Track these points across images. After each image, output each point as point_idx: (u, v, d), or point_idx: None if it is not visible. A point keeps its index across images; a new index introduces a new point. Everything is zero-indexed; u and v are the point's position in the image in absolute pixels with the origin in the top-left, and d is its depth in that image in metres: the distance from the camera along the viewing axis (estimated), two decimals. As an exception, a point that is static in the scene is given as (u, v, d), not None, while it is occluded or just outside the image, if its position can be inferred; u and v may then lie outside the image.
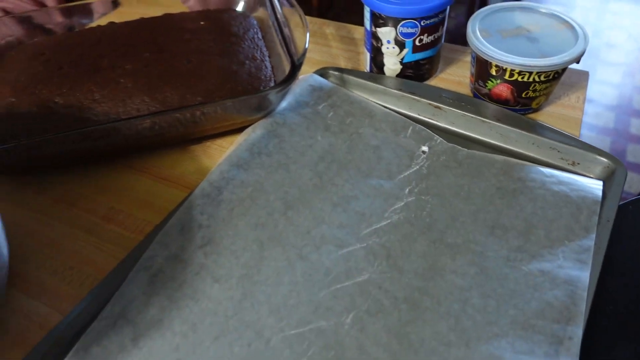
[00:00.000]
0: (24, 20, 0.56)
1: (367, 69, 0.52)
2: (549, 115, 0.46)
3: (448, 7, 0.45)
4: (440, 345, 0.31)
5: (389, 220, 0.38)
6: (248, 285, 0.35)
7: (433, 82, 0.51)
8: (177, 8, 0.58)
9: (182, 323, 0.33)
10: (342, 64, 0.54)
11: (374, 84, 0.48)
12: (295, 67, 0.42)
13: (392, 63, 0.48)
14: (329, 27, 0.59)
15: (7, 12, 0.61)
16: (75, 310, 0.34)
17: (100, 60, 0.47)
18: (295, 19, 0.48)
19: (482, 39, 0.43)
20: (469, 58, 0.53)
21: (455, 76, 0.51)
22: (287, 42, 0.46)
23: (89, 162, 0.45)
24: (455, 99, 0.45)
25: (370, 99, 0.48)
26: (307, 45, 0.44)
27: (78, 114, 0.43)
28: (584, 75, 0.50)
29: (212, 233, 0.38)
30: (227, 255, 0.36)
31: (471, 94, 0.49)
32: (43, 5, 0.65)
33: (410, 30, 0.45)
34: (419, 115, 0.46)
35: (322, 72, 0.50)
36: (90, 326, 0.33)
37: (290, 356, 0.31)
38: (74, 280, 0.37)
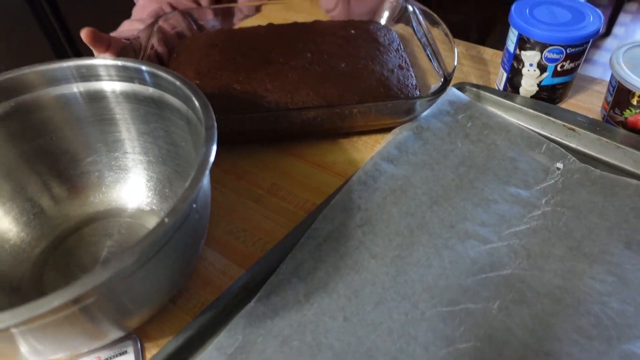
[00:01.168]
0: (186, 15, 0.64)
1: (501, 87, 0.56)
2: (680, 148, 0.49)
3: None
4: (582, 338, 0.35)
5: (527, 225, 0.42)
6: (401, 264, 0.40)
7: (564, 105, 0.54)
8: (308, 14, 0.64)
9: (345, 288, 0.39)
10: (474, 80, 0.58)
11: (510, 102, 0.52)
12: (447, 81, 0.47)
13: (529, 85, 0.52)
14: (459, 46, 0.64)
15: (173, 6, 0.70)
16: (256, 266, 0.40)
17: (269, 55, 0.54)
18: (437, 35, 0.53)
19: (627, 70, 0.46)
20: (597, 87, 0.56)
21: (584, 103, 0.55)
22: (437, 57, 0.51)
23: (253, 142, 0.51)
24: (589, 123, 0.49)
25: (505, 115, 0.52)
26: (456, 63, 0.49)
27: (253, 100, 0.49)
28: None
29: (369, 215, 0.43)
30: (382, 236, 0.42)
31: (602, 120, 0.52)
32: (199, 3, 0.74)
33: (555, 55, 0.49)
34: (551, 134, 0.50)
35: (460, 87, 0.54)
36: (269, 279, 0.39)
37: (444, 328, 0.36)
38: (247, 240, 0.43)
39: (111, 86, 0.39)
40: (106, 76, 0.39)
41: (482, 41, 2.18)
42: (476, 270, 0.39)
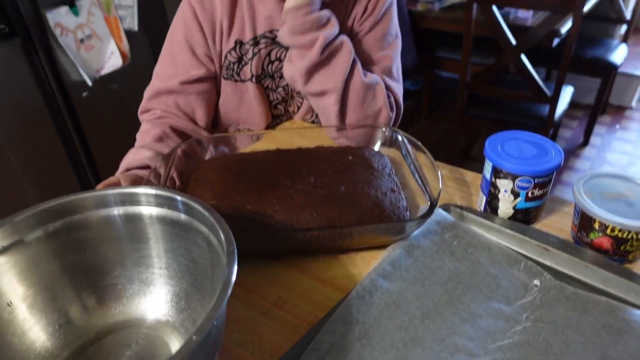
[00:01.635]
0: (201, 142, 0.73)
1: (482, 209, 0.63)
2: (644, 267, 0.54)
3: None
4: None
5: (510, 340, 0.46)
6: (397, 376, 0.43)
7: (538, 225, 0.61)
8: (310, 138, 0.73)
9: (345, 399, 0.42)
10: (458, 201, 0.66)
11: (490, 222, 0.59)
12: (433, 205, 0.55)
13: (506, 207, 0.60)
14: (444, 169, 0.73)
15: (173, 128, 0.80)
16: (262, 375, 0.43)
17: (277, 178, 0.61)
18: (423, 160, 0.62)
19: (587, 199, 0.54)
20: (567, 208, 0.64)
21: (556, 223, 0.62)
22: (424, 184, 0.59)
23: (262, 257, 0.57)
24: (560, 244, 0.55)
25: (486, 234, 0.59)
26: (440, 187, 0.56)
27: (263, 220, 0.56)
28: (672, 236, 0.58)
29: (366, 329, 0.47)
30: (378, 349, 0.46)
31: (572, 240, 0.58)
32: (196, 123, 0.83)
33: (525, 184, 0.57)
34: (528, 253, 0.56)
35: (446, 207, 0.61)
36: (275, 390, 0.42)
37: None
38: (255, 352, 0.47)
39: (149, 210, 0.46)
40: (145, 202, 0.46)
41: (468, 150, 2.34)
42: (465, 384, 0.43)
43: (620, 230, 0.51)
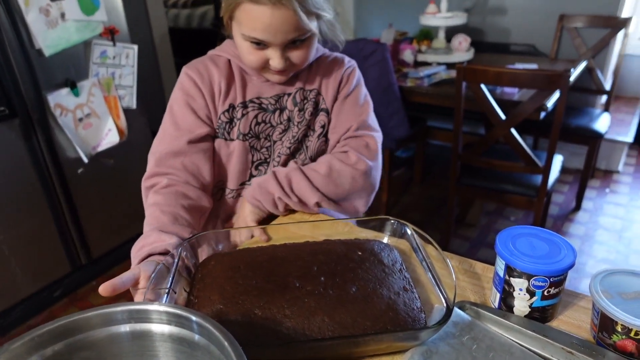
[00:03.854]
0: (212, 237, 0.72)
1: (496, 306, 0.61)
2: (671, 369, 0.52)
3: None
4: None
5: None
6: None
7: (555, 323, 0.59)
8: (313, 227, 0.73)
9: None
10: (471, 296, 0.64)
11: (509, 322, 0.57)
12: (450, 311, 0.53)
13: (522, 306, 0.58)
14: (453, 260, 0.71)
15: (186, 208, 0.80)
16: None
17: (287, 278, 0.60)
18: (430, 250, 0.61)
19: (606, 300, 0.52)
20: (583, 303, 0.62)
21: (574, 319, 0.60)
22: (437, 282, 0.58)
23: (271, 366, 0.54)
24: (584, 347, 0.53)
25: (506, 334, 0.57)
26: (455, 292, 0.55)
27: (273, 326, 0.54)
28: (693, 332, 0.57)
29: None
30: None
31: (593, 340, 0.56)
32: (201, 183, 0.85)
33: (541, 283, 0.55)
34: (552, 356, 0.54)
35: (461, 306, 0.60)
36: None
37: None
38: None
39: (161, 328, 0.44)
40: (157, 319, 0.44)
41: (463, 216, 2.33)
42: None
43: (644, 334, 0.50)
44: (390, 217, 0.72)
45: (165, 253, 0.70)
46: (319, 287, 0.58)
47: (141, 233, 0.76)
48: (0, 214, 1.58)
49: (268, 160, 0.92)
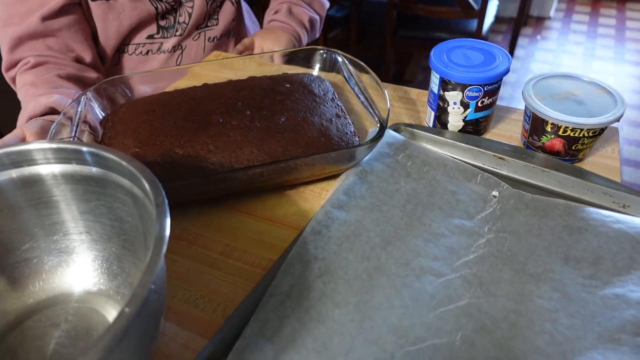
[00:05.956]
0: (118, 83, 0.63)
1: (431, 124, 0.60)
2: (593, 164, 0.54)
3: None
4: (540, 357, 0.37)
5: (475, 254, 0.45)
6: (365, 309, 0.40)
7: (488, 135, 0.59)
8: (239, 70, 0.66)
9: (313, 342, 0.38)
10: (406, 120, 0.62)
11: (443, 138, 0.55)
12: (383, 127, 0.50)
13: (455, 120, 0.56)
14: (388, 89, 0.68)
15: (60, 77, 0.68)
16: (219, 333, 0.39)
17: (209, 116, 0.54)
18: (366, 80, 0.56)
19: (538, 102, 0.51)
20: (515, 115, 0.62)
21: (506, 131, 0.60)
22: (370, 104, 0.54)
23: (201, 204, 0.51)
24: (515, 151, 0.53)
25: (440, 150, 0.56)
26: (389, 107, 0.52)
27: (197, 163, 0.49)
28: (615, 131, 0.59)
29: (327, 264, 0.43)
30: (342, 283, 0.42)
31: (523, 146, 0.57)
32: (80, 61, 0.72)
33: (475, 94, 0.53)
34: (484, 164, 0.54)
35: (395, 128, 0.57)
36: (235, 345, 0.38)
37: (415, 368, 0.36)
38: (206, 307, 0.42)
39: (49, 169, 0.38)
40: (43, 160, 0.37)
41: (400, 74, 2.32)
42: (435, 305, 0.41)
43: (572, 130, 0.50)
44: (319, 47, 0.65)
45: (49, 113, 0.61)
46: (245, 121, 0.53)
47: None
48: None
49: (175, 6, 0.78)
